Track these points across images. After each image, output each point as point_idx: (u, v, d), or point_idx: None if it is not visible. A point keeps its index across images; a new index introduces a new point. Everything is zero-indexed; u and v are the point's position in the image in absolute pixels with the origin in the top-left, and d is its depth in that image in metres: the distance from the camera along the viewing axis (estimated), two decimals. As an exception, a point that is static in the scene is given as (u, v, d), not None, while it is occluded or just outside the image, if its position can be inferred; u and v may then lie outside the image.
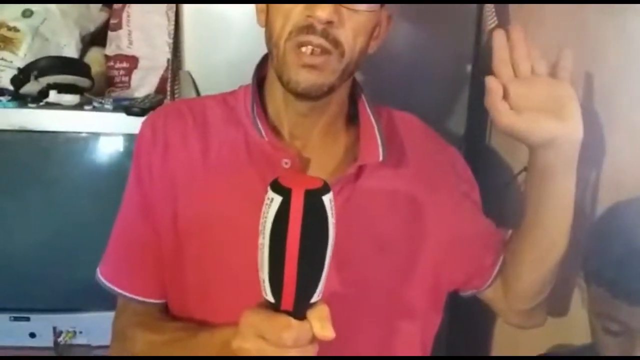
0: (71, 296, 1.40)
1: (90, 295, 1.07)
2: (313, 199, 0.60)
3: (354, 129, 0.89)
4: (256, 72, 0.88)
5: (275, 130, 0.85)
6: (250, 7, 1.25)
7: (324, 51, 0.75)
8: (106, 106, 1.42)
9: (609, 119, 1.00)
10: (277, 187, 0.61)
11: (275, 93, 0.85)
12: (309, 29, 0.74)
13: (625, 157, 0.97)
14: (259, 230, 0.62)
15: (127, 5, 1.55)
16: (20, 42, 1.51)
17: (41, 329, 1.41)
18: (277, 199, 0.60)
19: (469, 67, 1.27)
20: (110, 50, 1.60)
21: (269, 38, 0.80)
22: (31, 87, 1.42)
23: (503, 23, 1.28)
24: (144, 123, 0.92)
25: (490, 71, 0.86)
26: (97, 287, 0.95)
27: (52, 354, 1.42)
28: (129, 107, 1.38)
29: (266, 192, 0.61)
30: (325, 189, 0.61)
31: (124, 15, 1.56)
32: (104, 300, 0.98)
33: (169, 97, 1.34)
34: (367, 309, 0.86)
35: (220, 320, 0.77)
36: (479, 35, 1.28)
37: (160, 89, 1.55)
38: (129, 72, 1.58)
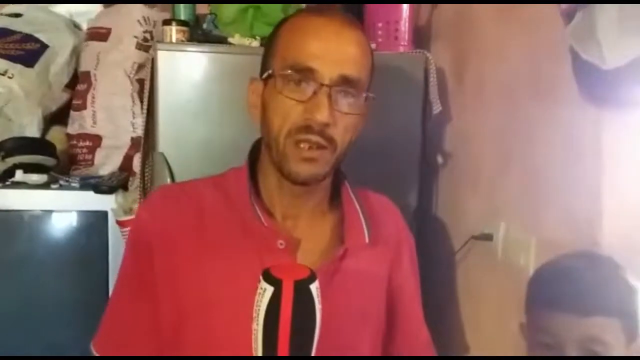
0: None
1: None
2: (301, 288, 0.69)
3: (337, 210, 0.98)
4: (249, 158, 0.96)
5: (268, 212, 0.93)
6: (223, 92, 1.34)
7: (320, 147, 0.85)
8: (73, 184, 1.47)
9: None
10: (268, 278, 0.70)
11: (269, 178, 0.93)
12: (307, 129, 0.84)
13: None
14: (253, 314, 0.70)
15: (92, 87, 1.62)
16: (-17, 124, 1.55)
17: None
18: (269, 290, 0.69)
19: (418, 148, 1.42)
20: (72, 129, 1.66)
21: (268, 133, 0.88)
22: (-2, 167, 1.45)
23: (445, 109, 1.44)
24: (141, 206, 0.98)
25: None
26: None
27: None
28: (97, 185, 1.43)
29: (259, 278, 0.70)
30: (312, 277, 0.70)
31: (89, 96, 1.62)
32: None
33: (139, 178, 1.40)
34: None
35: None
36: (425, 120, 1.43)
37: (124, 167, 1.60)
38: (92, 150, 1.63)
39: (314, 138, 0.84)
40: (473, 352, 1.36)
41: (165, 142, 1.26)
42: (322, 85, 0.83)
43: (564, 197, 1.14)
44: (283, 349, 0.69)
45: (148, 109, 1.34)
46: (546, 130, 1.17)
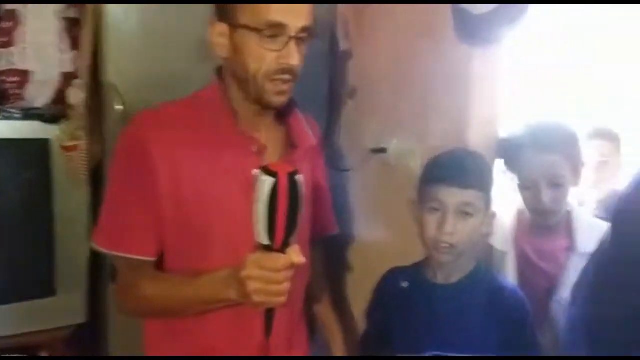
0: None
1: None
2: (292, 178, 0.98)
3: (284, 123, 1.25)
4: (219, 84, 1.17)
5: (241, 126, 1.18)
6: (171, 24, 1.48)
7: (289, 81, 1.12)
8: (15, 115, 1.58)
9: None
10: (267, 172, 0.97)
11: (236, 100, 1.16)
12: (282, 70, 1.10)
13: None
14: (254, 198, 0.97)
15: (20, 24, 1.71)
16: None
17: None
18: (270, 180, 0.96)
19: (327, 80, 1.71)
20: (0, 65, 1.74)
21: (244, 73, 1.11)
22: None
23: (348, 48, 1.73)
24: (134, 125, 1.15)
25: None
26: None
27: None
28: (42, 114, 1.56)
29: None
30: (297, 171, 0.99)
31: (16, 34, 1.71)
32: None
33: (79, 107, 1.54)
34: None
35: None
36: (333, 57, 1.73)
37: (57, 100, 1.73)
38: (21, 85, 1.73)
39: (286, 77, 1.11)
40: (372, 238, 1.69)
41: (115, 73, 1.42)
42: (291, 37, 1.09)
43: (443, 115, 1.50)
44: (282, 220, 0.98)
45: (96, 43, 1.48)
46: (429, 63, 1.51)
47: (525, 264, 1.46)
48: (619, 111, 2.05)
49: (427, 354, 1.25)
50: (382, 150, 1.64)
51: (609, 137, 1.94)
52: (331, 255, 1.61)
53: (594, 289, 1.03)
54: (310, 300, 1.42)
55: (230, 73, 1.16)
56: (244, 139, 1.16)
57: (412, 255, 1.41)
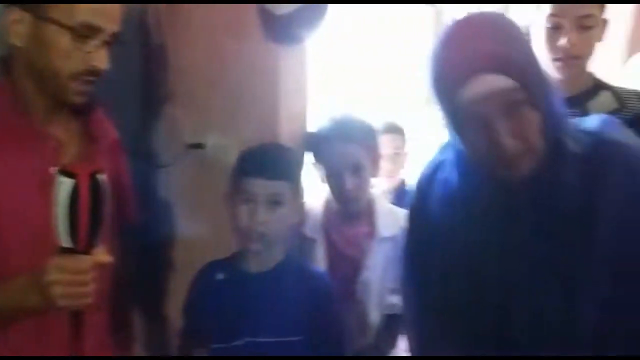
0: None
1: None
2: (95, 178, 0.95)
3: (81, 118, 1.18)
4: (5, 75, 1.09)
5: (34, 121, 1.10)
6: None
7: (92, 81, 1.07)
8: None
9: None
10: (66, 173, 0.93)
11: (27, 94, 1.08)
12: (90, 72, 1.05)
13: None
14: (53, 201, 0.92)
15: None
16: None
17: None
18: (68, 182, 0.93)
19: (140, 78, 1.68)
20: None
21: (45, 67, 1.04)
22: None
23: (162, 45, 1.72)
24: None
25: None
26: None
27: None
28: None
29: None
30: (99, 170, 0.96)
31: None
32: None
33: None
34: None
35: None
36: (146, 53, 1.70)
37: None
38: None
39: (92, 78, 1.07)
40: (193, 234, 1.69)
41: None
42: (104, 41, 1.06)
43: (255, 111, 1.56)
44: (84, 227, 0.95)
45: None
46: (240, 60, 1.56)
47: (332, 250, 1.57)
48: (403, 108, 2.28)
49: (241, 341, 1.30)
50: (200, 146, 1.67)
51: (398, 131, 2.14)
52: (151, 252, 1.60)
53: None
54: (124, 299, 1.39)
55: (24, 63, 1.09)
56: (39, 136, 1.10)
57: (231, 249, 1.44)
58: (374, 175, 1.56)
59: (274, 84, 1.50)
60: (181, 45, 1.71)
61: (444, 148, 1.12)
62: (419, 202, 1.14)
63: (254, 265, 1.37)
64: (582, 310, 0.94)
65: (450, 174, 1.06)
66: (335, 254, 1.57)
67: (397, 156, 2.12)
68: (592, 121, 1.03)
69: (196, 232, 1.68)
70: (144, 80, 1.71)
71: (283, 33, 1.40)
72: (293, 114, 1.54)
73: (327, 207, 1.61)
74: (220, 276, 1.37)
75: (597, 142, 0.97)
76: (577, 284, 0.94)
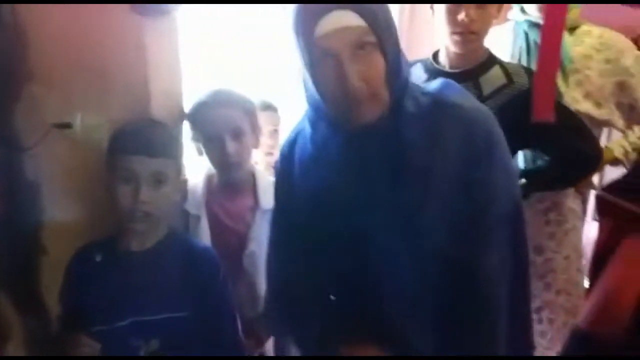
0: None
1: None
2: None
3: None
4: None
5: None
6: None
7: None
8: None
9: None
10: None
11: None
12: None
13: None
14: None
15: None
16: None
17: None
18: None
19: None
20: None
21: None
22: None
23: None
24: None
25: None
26: None
27: None
28: None
29: None
30: None
31: None
32: None
33: None
34: None
35: None
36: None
37: None
38: None
39: None
40: (65, 218, 1.60)
41: None
42: None
43: (124, 88, 1.49)
44: None
45: None
46: (104, 35, 1.48)
47: (216, 225, 1.56)
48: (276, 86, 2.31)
49: (126, 322, 1.27)
50: (67, 126, 1.57)
51: (273, 109, 2.16)
52: (21, 240, 1.49)
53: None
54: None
55: None
56: None
57: (109, 229, 1.39)
58: (255, 145, 1.57)
59: (141, 58, 1.45)
60: (37, 19, 1.60)
61: (304, 116, 1.17)
62: (283, 167, 1.21)
63: (135, 244, 1.33)
64: (425, 255, 1.03)
65: (307, 134, 1.12)
66: (219, 229, 1.56)
67: (276, 133, 2.13)
68: (434, 84, 1.11)
69: (69, 216, 1.60)
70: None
71: (149, 6, 1.35)
72: (165, 90, 1.50)
73: (209, 182, 1.60)
74: (98, 257, 1.32)
75: (435, 103, 1.05)
76: (420, 232, 1.02)
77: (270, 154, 2.06)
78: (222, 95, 1.52)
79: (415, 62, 1.60)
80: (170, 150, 1.32)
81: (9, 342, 1.24)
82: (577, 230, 1.85)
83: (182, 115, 1.55)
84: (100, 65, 1.49)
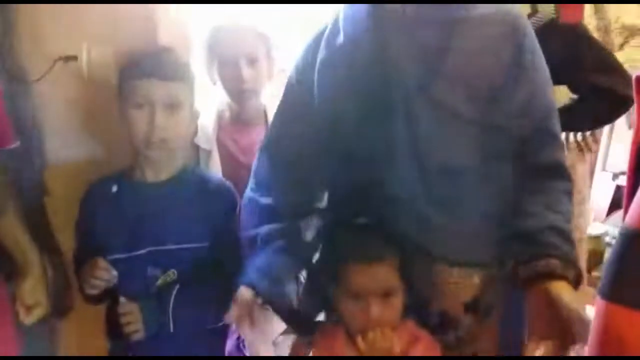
0: None
1: None
2: None
3: None
4: None
5: None
6: None
7: None
8: None
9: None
10: None
11: None
12: None
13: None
14: None
15: None
16: None
17: None
18: None
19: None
20: None
21: None
22: None
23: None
24: None
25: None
26: None
27: None
28: None
29: None
30: None
31: None
32: None
33: None
34: None
35: None
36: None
37: None
38: None
39: None
40: (70, 156, 1.57)
41: None
42: None
43: (132, 18, 1.45)
44: None
45: None
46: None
47: (228, 159, 1.55)
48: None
49: (143, 251, 1.26)
50: (72, 58, 1.53)
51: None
52: (23, 179, 1.46)
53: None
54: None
55: None
56: None
57: (116, 166, 1.38)
58: (269, 75, 1.54)
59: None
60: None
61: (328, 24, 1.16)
62: (300, 75, 1.17)
63: (151, 174, 1.32)
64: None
65: (334, 35, 1.12)
66: (230, 163, 1.55)
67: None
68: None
69: (74, 154, 1.56)
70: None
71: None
72: (172, 18, 1.46)
73: (219, 117, 1.58)
74: (114, 188, 1.31)
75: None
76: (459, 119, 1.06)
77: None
78: (238, 22, 1.51)
79: None
80: (183, 74, 1.30)
81: (28, 279, 1.21)
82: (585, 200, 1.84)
83: (189, 44, 1.51)
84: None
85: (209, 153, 1.54)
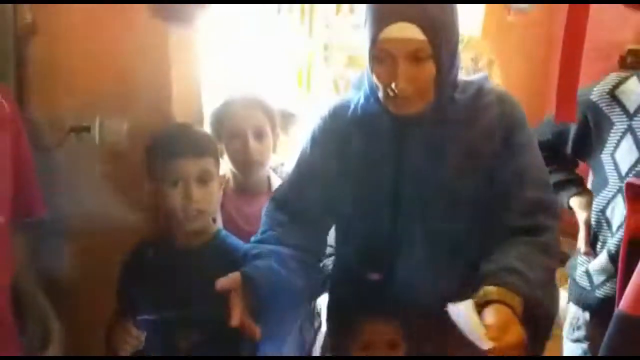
0: None
1: None
2: None
3: None
4: None
5: None
6: None
7: None
8: None
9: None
10: None
11: None
12: None
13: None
14: None
15: None
16: None
17: None
18: None
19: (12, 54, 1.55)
20: None
21: None
22: None
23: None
24: None
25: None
26: None
27: None
28: None
29: None
30: None
31: None
32: None
33: None
34: None
35: None
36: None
37: None
38: None
39: None
40: (86, 220, 1.61)
41: None
42: None
43: (146, 91, 1.52)
44: None
45: None
46: (126, 39, 1.50)
47: (231, 228, 1.58)
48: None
49: (171, 314, 1.32)
50: (85, 129, 1.59)
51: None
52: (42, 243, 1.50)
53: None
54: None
55: None
56: None
57: (130, 230, 1.44)
58: (274, 148, 1.60)
59: (164, 63, 1.48)
60: (59, 21, 1.61)
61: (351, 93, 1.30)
62: (320, 135, 1.29)
63: (185, 241, 1.37)
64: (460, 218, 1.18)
65: (356, 106, 1.24)
66: (234, 231, 1.57)
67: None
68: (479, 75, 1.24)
69: (91, 217, 1.60)
70: (17, 60, 1.59)
71: (172, 10, 1.38)
72: (186, 94, 1.53)
73: (225, 185, 1.62)
74: (150, 252, 1.38)
75: (478, 91, 1.19)
76: (459, 198, 1.17)
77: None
78: (246, 96, 1.58)
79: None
80: (213, 148, 1.38)
81: (49, 348, 1.27)
82: None
83: (201, 118, 1.58)
84: (122, 68, 1.51)
85: (213, 220, 1.58)
